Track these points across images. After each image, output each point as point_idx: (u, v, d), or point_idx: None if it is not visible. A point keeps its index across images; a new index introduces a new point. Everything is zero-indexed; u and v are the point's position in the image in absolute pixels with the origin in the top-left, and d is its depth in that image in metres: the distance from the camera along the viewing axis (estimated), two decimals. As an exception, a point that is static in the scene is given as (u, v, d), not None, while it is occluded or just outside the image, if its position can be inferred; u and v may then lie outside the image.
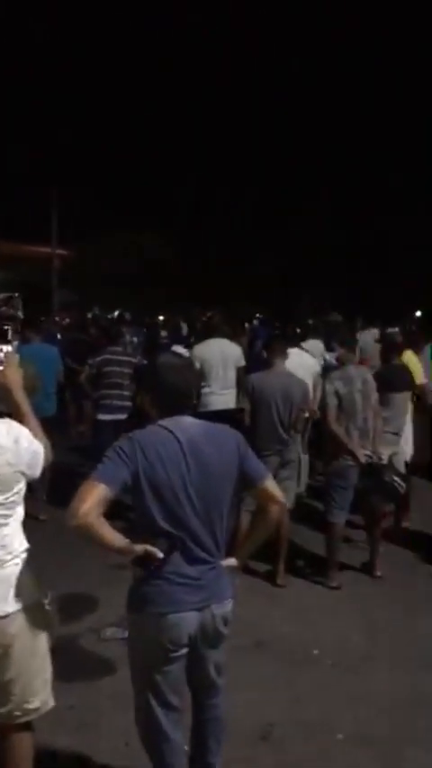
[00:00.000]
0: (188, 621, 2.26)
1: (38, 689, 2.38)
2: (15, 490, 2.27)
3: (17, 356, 2.45)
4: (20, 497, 2.31)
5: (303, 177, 27.13)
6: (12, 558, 2.27)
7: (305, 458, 6.19)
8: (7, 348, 2.42)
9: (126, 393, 6.25)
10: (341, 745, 3.09)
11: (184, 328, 11.04)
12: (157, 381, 2.37)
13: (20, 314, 8.25)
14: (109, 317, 15.95)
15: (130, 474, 2.18)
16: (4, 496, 2.23)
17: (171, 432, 2.28)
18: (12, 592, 2.24)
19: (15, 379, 2.39)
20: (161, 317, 15.13)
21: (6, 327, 2.43)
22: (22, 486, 2.30)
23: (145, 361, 6.50)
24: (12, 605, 2.24)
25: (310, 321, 9.63)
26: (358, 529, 5.50)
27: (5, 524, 2.26)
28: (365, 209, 26.16)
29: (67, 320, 14.17)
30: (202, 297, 23.65)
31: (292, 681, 3.59)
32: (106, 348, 6.55)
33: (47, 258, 25.13)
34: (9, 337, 2.43)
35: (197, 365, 6.20)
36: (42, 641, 2.41)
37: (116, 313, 16.52)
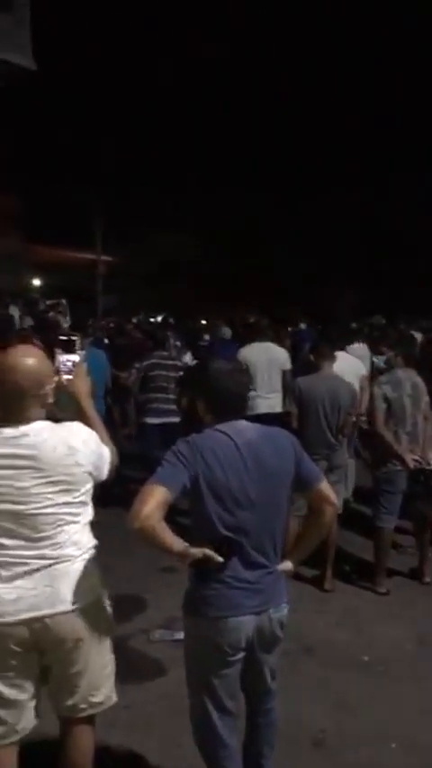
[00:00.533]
0: (246, 625, 2.27)
1: (102, 683, 2.43)
2: (84, 490, 2.33)
3: (85, 365, 2.56)
4: (88, 497, 2.37)
5: (335, 178, 26.93)
6: (81, 554, 2.33)
7: (352, 462, 6.14)
8: (75, 358, 2.51)
9: (172, 397, 6.30)
10: (394, 753, 3.05)
11: (227, 332, 11.06)
12: (211, 386, 2.38)
13: (67, 319, 8.43)
14: (152, 320, 16.10)
15: (189, 478, 2.20)
16: (73, 496, 2.29)
17: (228, 435, 2.29)
18: (82, 586, 2.30)
19: (83, 387, 2.52)
20: (203, 321, 15.19)
21: (74, 338, 2.53)
22: (89, 487, 2.36)
23: (181, 363, 6.55)
24: (82, 599, 2.29)
25: (354, 324, 9.53)
26: (407, 534, 5.43)
27: (75, 522, 2.32)
28: (396, 207, 25.75)
29: (112, 325, 14.35)
30: (240, 300, 23.69)
31: (343, 687, 3.56)
32: (153, 352, 6.61)
33: (91, 264, 25.48)
34: (77, 348, 2.51)
35: None
36: (108, 635, 2.46)
37: (159, 317, 16.66)
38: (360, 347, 7.30)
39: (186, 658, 2.44)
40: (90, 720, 2.44)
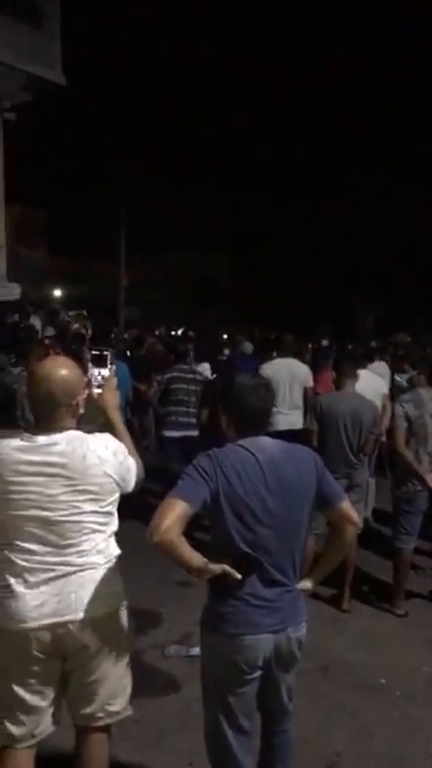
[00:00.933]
0: (264, 644, 2.25)
1: (120, 692, 2.44)
2: (110, 500, 2.36)
3: (115, 380, 2.60)
4: (114, 508, 2.41)
5: (360, 194, 26.90)
6: (105, 563, 2.36)
7: (372, 481, 6.09)
8: (106, 372, 2.55)
9: (192, 410, 6.29)
10: (411, 780, 2.99)
11: (248, 347, 11.07)
12: (235, 401, 2.38)
13: (89, 331, 8.46)
14: (172, 333, 16.14)
15: (210, 492, 2.19)
16: (100, 505, 2.32)
17: (250, 451, 2.28)
18: (106, 594, 2.33)
19: (112, 401, 2.57)
20: (225, 336, 15.20)
21: (106, 353, 2.58)
22: (116, 497, 2.40)
23: (201, 377, 6.54)
24: (105, 607, 2.32)
25: (374, 343, 9.47)
26: (426, 556, 5.36)
27: (101, 531, 2.35)
28: (421, 222, 25.59)
29: (126, 336, 14.42)
30: (262, 315, 23.70)
31: (359, 709, 3.50)
32: (174, 365, 6.62)
33: (114, 276, 25.67)
34: (108, 362, 2.56)
35: None
36: (127, 644, 2.49)
37: (180, 331, 16.70)
38: (380, 365, 7.26)
39: (203, 675, 2.41)
40: (106, 730, 2.45)
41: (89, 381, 2.48)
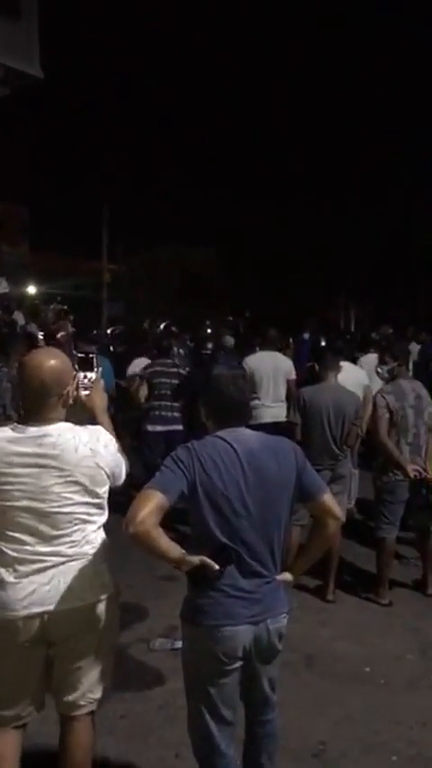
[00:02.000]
0: (243, 635, 2.26)
1: (103, 680, 2.47)
2: (101, 492, 2.40)
3: (102, 382, 2.64)
4: (105, 500, 2.44)
5: (353, 190, 26.96)
6: (95, 553, 2.40)
7: (355, 472, 6.12)
8: (92, 375, 2.58)
9: (176, 404, 6.29)
10: (395, 766, 3.02)
11: (229, 341, 11.07)
12: (213, 393, 2.38)
13: (70, 328, 8.36)
14: (157, 329, 16.09)
15: (187, 484, 2.19)
16: (92, 496, 2.36)
17: (229, 443, 2.28)
18: (95, 584, 2.37)
19: (100, 403, 2.59)
20: (209, 330, 15.16)
21: (92, 356, 2.61)
22: (106, 490, 2.43)
23: (184, 372, 6.52)
24: (93, 596, 2.37)
25: (374, 334, 9.44)
26: (410, 546, 5.40)
27: (92, 522, 2.39)
28: (414, 220, 25.72)
29: (110, 331, 14.37)
30: (244, 309, 23.70)
31: (344, 699, 3.53)
32: (156, 360, 6.61)
33: (97, 272, 25.57)
34: (94, 365, 2.59)
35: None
36: (112, 634, 2.54)
37: (162, 326, 16.64)
38: (372, 358, 7.27)
39: (184, 666, 2.42)
40: (90, 716, 2.47)
41: (76, 384, 2.50)
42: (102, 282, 25.28)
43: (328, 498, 2.41)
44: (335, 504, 2.44)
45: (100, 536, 2.44)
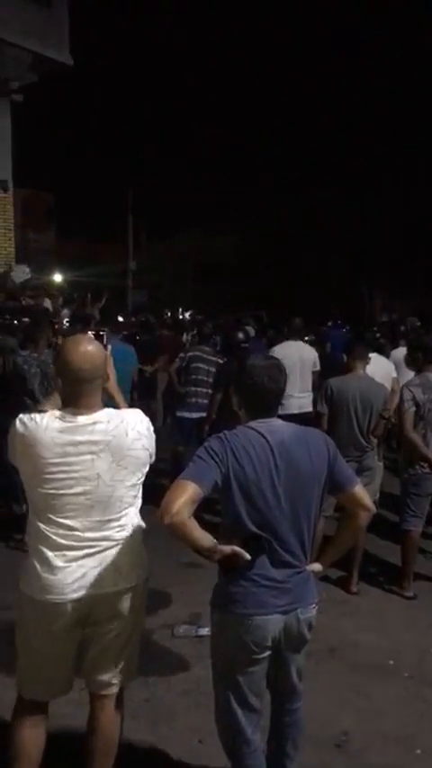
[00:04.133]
0: (273, 624, 2.26)
1: (134, 659, 2.54)
2: (144, 472, 2.45)
3: (111, 358, 2.66)
4: (142, 482, 2.48)
5: (374, 179, 26.64)
6: (138, 536, 2.46)
7: (380, 465, 6.07)
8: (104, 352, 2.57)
9: (210, 392, 6.27)
10: (419, 760, 3.01)
11: (250, 330, 11.06)
12: (247, 382, 2.37)
13: (96, 314, 8.29)
14: (181, 317, 16.11)
15: (220, 475, 2.19)
16: (137, 477, 2.41)
17: (261, 434, 2.27)
18: (138, 565, 2.44)
19: (112, 377, 2.64)
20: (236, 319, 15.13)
21: (102, 333, 2.65)
22: (146, 470, 2.47)
23: (222, 360, 6.50)
24: (138, 577, 2.43)
25: (402, 327, 9.34)
26: (433, 539, 5.37)
27: (135, 505, 2.45)
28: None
29: (134, 319, 14.38)
30: (270, 298, 23.58)
31: (367, 690, 3.53)
32: (197, 346, 6.58)
33: (122, 259, 25.61)
34: (105, 342, 2.63)
35: None
36: (144, 614, 2.62)
37: (187, 314, 16.64)
38: (404, 351, 7.19)
39: (212, 654, 2.44)
40: (121, 695, 2.54)
41: None
42: (127, 270, 25.28)
43: (359, 489, 2.40)
44: (366, 495, 2.43)
45: (139, 518, 2.49)
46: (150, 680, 3.54)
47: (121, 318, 10.38)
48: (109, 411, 2.38)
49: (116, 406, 2.60)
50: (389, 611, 4.49)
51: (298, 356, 6.50)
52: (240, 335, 5.99)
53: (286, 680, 2.42)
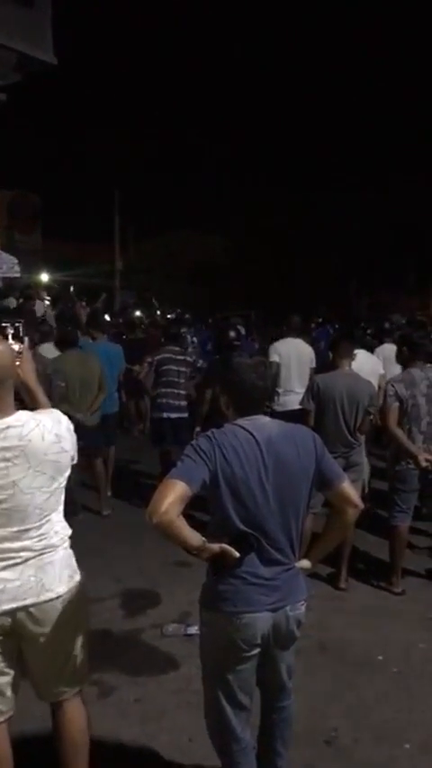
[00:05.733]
0: (262, 622, 2.26)
1: (83, 664, 2.47)
2: (65, 476, 2.34)
3: (30, 352, 2.54)
4: (65, 484, 2.38)
5: (360, 177, 26.79)
6: (62, 543, 2.36)
7: (365, 461, 6.10)
8: (20, 345, 2.47)
9: (182, 392, 6.28)
10: (408, 754, 3.02)
11: (240, 330, 11.11)
12: (235, 380, 2.37)
13: (84, 314, 8.22)
14: (169, 316, 16.10)
15: (209, 473, 2.19)
16: (58, 482, 2.31)
17: (249, 431, 2.28)
18: (64, 574, 2.34)
19: (30, 373, 2.49)
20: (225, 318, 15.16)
21: (18, 325, 2.50)
22: (68, 475, 2.37)
23: (200, 361, 6.53)
24: (64, 587, 2.33)
25: (387, 324, 9.40)
26: (422, 535, 5.39)
27: (57, 511, 2.34)
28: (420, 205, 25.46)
29: (121, 321, 14.40)
30: (259, 296, 23.62)
31: (357, 686, 3.54)
32: (165, 347, 6.59)
33: (109, 260, 25.55)
34: (21, 334, 2.49)
35: (277, 362, 6.29)
36: (85, 616, 2.50)
37: (174, 313, 16.61)
38: (390, 347, 7.23)
39: (202, 652, 2.44)
40: (80, 697, 2.47)
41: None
42: (114, 270, 25.22)
43: (346, 486, 2.40)
44: (353, 491, 2.43)
45: (62, 522, 2.38)
46: (140, 679, 3.54)
47: (108, 318, 10.36)
48: (23, 413, 2.24)
49: (34, 400, 2.49)
50: (378, 606, 4.50)
51: (296, 353, 6.54)
52: (232, 334, 5.98)
53: (275, 677, 2.43)
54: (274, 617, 2.28)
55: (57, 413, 2.37)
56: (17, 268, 11.21)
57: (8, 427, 2.17)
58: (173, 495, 2.09)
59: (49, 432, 2.24)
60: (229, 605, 2.25)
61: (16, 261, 11.32)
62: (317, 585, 4.62)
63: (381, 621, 4.28)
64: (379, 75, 29.79)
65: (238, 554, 2.19)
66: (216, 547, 2.18)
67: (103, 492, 6.16)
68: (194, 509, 2.47)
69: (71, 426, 2.37)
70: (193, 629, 3.74)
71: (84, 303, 11.92)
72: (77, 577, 2.41)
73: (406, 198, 25.59)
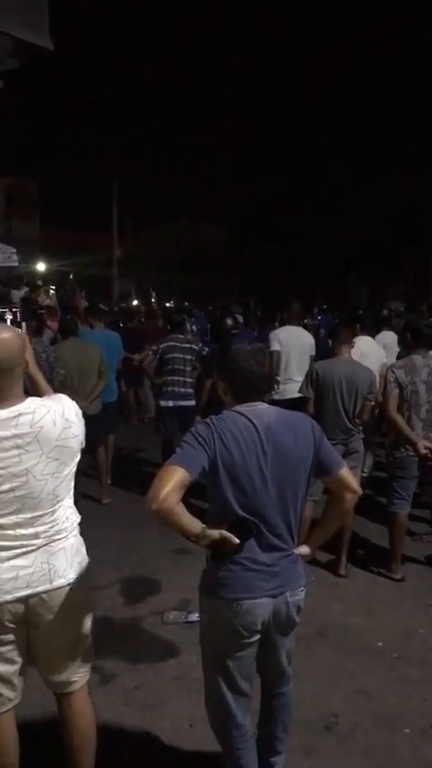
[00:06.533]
0: (262, 608, 2.26)
1: (89, 652, 2.48)
2: (76, 461, 2.34)
3: (27, 337, 2.49)
4: (74, 472, 2.38)
5: (362, 166, 26.64)
6: (73, 529, 2.36)
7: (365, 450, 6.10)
8: (18, 330, 2.44)
9: (188, 380, 6.27)
10: (407, 739, 3.04)
11: (239, 318, 11.09)
12: (233, 367, 2.36)
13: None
14: (167, 305, 16.07)
15: (208, 459, 2.18)
16: (69, 468, 2.31)
17: (248, 418, 2.27)
18: (75, 560, 2.34)
19: (30, 359, 2.45)
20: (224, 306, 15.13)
21: (15, 310, 2.51)
22: (78, 458, 2.37)
23: (206, 349, 6.50)
24: (74, 572, 2.33)
25: (385, 312, 9.38)
26: (421, 522, 5.39)
27: (69, 497, 2.35)
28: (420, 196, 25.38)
29: (118, 309, 14.39)
30: (257, 284, 23.58)
31: (356, 672, 3.55)
32: (170, 335, 6.57)
33: (107, 248, 25.46)
34: (18, 319, 2.49)
35: (278, 350, 6.28)
36: (91, 605, 2.52)
37: (171, 301, 16.58)
38: (389, 334, 7.23)
39: (202, 639, 2.44)
40: (85, 686, 2.48)
41: None
42: (112, 259, 25.14)
43: (345, 472, 2.40)
44: (352, 477, 2.43)
45: (72, 508, 2.38)
46: (140, 666, 3.54)
47: (104, 307, 10.33)
48: (33, 400, 2.24)
49: (36, 385, 2.50)
50: (377, 593, 4.51)
51: (297, 341, 6.53)
52: (230, 322, 5.96)
53: (275, 663, 2.43)
54: (274, 603, 2.28)
55: (65, 398, 2.37)
56: (15, 257, 11.16)
57: (19, 414, 2.17)
58: (172, 482, 2.08)
59: (61, 417, 2.25)
60: (228, 591, 2.25)
61: (14, 250, 11.28)
62: (316, 572, 4.63)
63: (380, 608, 4.29)
64: (379, 61, 29.55)
65: (237, 540, 2.19)
66: (216, 533, 2.18)
67: (104, 480, 6.20)
68: (193, 497, 2.47)
69: (80, 411, 2.37)
70: (194, 617, 3.75)
71: (83, 293, 11.90)
72: (86, 563, 2.42)
73: (406, 186, 25.45)
